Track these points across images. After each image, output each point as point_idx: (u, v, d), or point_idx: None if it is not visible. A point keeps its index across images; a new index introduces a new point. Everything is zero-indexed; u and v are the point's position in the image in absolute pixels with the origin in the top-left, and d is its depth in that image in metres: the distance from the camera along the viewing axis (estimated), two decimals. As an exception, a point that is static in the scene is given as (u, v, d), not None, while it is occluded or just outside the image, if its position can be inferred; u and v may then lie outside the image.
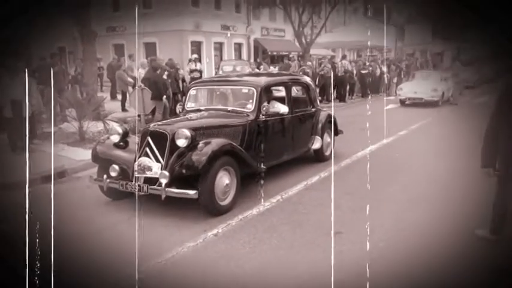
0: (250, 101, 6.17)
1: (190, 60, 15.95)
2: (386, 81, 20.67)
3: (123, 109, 13.15)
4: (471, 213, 4.89)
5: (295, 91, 7.48)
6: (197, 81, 8.12)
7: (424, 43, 56.69)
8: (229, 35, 25.48)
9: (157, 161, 5.12)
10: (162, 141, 5.17)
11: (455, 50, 43.53)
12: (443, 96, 16.28)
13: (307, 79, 8.20)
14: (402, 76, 21.78)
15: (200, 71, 15.41)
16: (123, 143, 5.61)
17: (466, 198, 5.44)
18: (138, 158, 5.20)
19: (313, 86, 7.97)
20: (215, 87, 7.01)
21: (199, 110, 6.38)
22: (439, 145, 9.24)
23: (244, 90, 6.39)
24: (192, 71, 14.92)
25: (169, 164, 5.06)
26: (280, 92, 7.13)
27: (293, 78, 7.80)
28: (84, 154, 7.55)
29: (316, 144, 7.31)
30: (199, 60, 16.85)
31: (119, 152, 5.52)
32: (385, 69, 20.68)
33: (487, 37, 60.17)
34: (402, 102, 16.59)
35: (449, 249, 4.15)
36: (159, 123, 5.78)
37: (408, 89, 16.52)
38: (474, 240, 4.29)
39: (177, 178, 4.97)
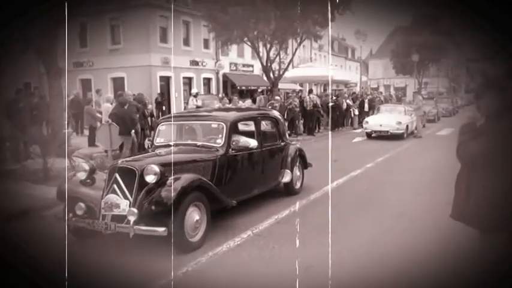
0: (220, 135, 6.19)
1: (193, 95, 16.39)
2: (352, 114, 21.19)
3: (92, 144, 12.92)
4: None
5: (265, 125, 7.56)
6: (166, 116, 8.11)
7: (387, 77, 58.89)
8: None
9: (126, 197, 5.02)
10: (131, 178, 5.09)
11: (417, 85, 45.29)
12: (407, 129, 16.77)
13: (276, 113, 8.32)
14: (366, 110, 22.35)
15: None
16: (89, 180, 5.48)
17: (435, 233, 5.54)
18: (106, 195, 5.08)
19: (282, 120, 8.08)
20: (184, 122, 7.01)
21: (168, 145, 6.34)
22: (406, 178, 9.46)
23: (214, 125, 6.42)
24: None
25: (137, 200, 4.97)
26: (250, 126, 7.20)
27: (262, 113, 7.91)
28: (49, 192, 7.32)
29: (286, 178, 7.35)
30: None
31: (86, 190, 5.38)
32: (351, 102, 21.23)
33: (448, 72, 62.77)
34: (368, 135, 16.98)
35: (422, 279, 4.20)
36: (128, 159, 5.70)
37: (374, 122, 16.93)
38: (448, 274, 4.31)
39: (146, 215, 4.87)
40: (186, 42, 25.79)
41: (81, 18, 21.68)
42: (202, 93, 25.67)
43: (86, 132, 13.97)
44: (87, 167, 5.54)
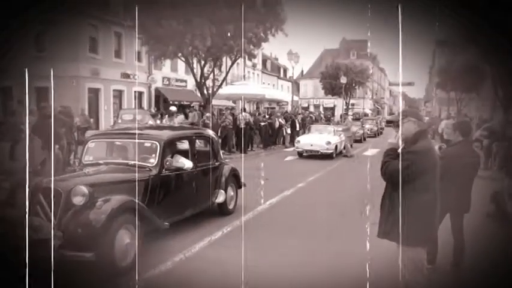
0: (153, 155, 6.03)
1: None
2: (284, 133, 21.62)
3: (12, 158, 12.04)
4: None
5: (199, 144, 7.48)
6: (96, 132, 7.77)
7: (317, 97, 61.05)
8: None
9: (49, 220, 4.70)
10: (56, 199, 4.78)
11: (345, 105, 47.35)
12: (336, 149, 17.39)
13: (211, 132, 8.27)
14: (298, 129, 22.91)
15: None
16: (11, 200, 5.08)
17: (363, 254, 5.73)
18: (27, 216, 4.72)
19: (216, 139, 8.05)
20: (115, 140, 6.75)
21: (98, 164, 6.07)
22: (336, 198, 9.76)
23: (147, 144, 6.24)
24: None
25: (62, 223, 4.67)
26: (184, 145, 7.08)
27: (197, 132, 7.83)
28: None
29: (220, 198, 7.29)
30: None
31: (5, 210, 4.97)
32: (283, 121, 21.66)
33: (373, 95, 65.99)
34: (300, 154, 17.39)
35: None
36: (53, 178, 5.35)
37: (305, 142, 17.40)
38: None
39: (71, 239, 4.58)
40: (118, 54, 25.06)
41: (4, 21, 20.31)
42: (133, 107, 25.03)
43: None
44: (7, 185, 5.14)
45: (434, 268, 4.85)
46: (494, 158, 13.19)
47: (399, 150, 3.60)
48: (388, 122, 4.24)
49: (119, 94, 25.60)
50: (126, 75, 25.56)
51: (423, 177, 3.49)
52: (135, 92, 26.83)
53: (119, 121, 17.35)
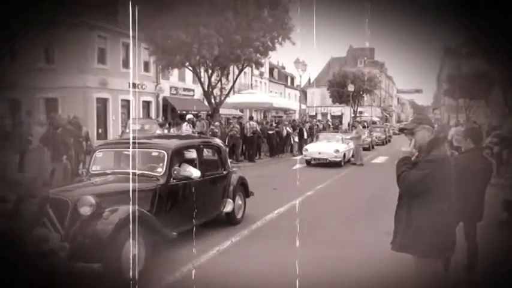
0: (161, 164, 5.98)
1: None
2: (292, 141, 21.55)
3: (21, 170, 12.07)
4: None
5: (207, 154, 7.43)
6: (104, 142, 7.76)
7: (325, 105, 61.01)
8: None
9: (56, 231, 4.66)
10: (63, 209, 4.74)
11: (353, 113, 47.23)
12: (344, 157, 17.28)
13: (218, 141, 8.22)
14: (306, 137, 22.83)
15: None
16: (16, 211, 5.05)
17: (374, 264, 5.63)
18: (34, 228, 4.69)
19: (224, 148, 7.99)
20: (123, 149, 6.72)
21: (105, 174, 6.03)
22: (345, 206, 9.64)
23: (155, 153, 6.20)
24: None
25: (69, 234, 4.62)
26: (192, 154, 7.03)
27: (204, 141, 7.79)
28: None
29: (228, 207, 7.22)
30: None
31: (11, 222, 4.94)
32: (291, 130, 21.60)
33: (380, 103, 65.92)
34: (308, 163, 17.29)
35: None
36: (60, 188, 5.33)
37: (313, 150, 17.31)
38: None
39: (78, 250, 4.53)
40: (125, 64, 25.22)
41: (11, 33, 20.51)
42: (141, 116, 25.12)
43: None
44: (14, 197, 5.12)
45: (448, 274, 4.74)
46: (506, 165, 13.03)
47: (413, 159, 3.53)
48: (401, 130, 4.09)
49: (127, 104, 25.72)
50: (134, 85, 25.70)
51: (441, 187, 3.41)
52: (143, 101, 26.97)
53: (127, 131, 17.36)
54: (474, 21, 14.86)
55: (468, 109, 46.21)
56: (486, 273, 5.06)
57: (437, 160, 3.43)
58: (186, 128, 15.74)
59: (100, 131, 23.52)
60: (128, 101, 25.79)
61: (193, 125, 17.19)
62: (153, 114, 27.31)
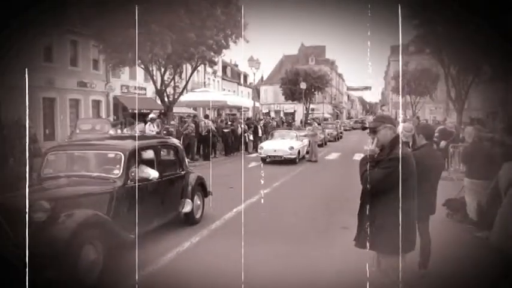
0: (118, 166, 5.82)
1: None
2: (247, 139, 21.61)
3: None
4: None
5: (164, 154, 7.32)
6: (57, 144, 7.45)
7: (278, 103, 61.64)
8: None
9: (8, 238, 4.43)
10: (14, 216, 4.51)
11: (305, 110, 47.93)
12: (299, 153, 17.52)
13: (175, 141, 8.12)
14: (260, 135, 22.97)
15: None
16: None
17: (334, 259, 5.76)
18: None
19: (181, 147, 7.89)
20: (77, 151, 6.48)
21: (58, 177, 5.79)
22: (302, 203, 9.80)
23: (111, 154, 6.03)
24: None
25: (23, 242, 4.40)
26: (149, 155, 6.89)
27: (161, 141, 7.65)
28: None
29: (187, 208, 7.15)
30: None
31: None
32: (246, 127, 21.64)
33: (332, 100, 67.33)
34: (263, 160, 17.38)
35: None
36: (11, 194, 5.07)
37: (268, 148, 17.40)
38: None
39: (33, 258, 4.33)
40: (74, 62, 24.33)
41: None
42: (90, 116, 24.35)
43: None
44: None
45: (427, 272, 4.92)
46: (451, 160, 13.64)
47: (376, 157, 3.61)
48: (364, 128, 4.11)
49: (75, 103, 24.83)
50: (82, 84, 24.85)
51: (404, 184, 3.49)
52: (92, 100, 26.13)
53: (77, 131, 16.79)
54: (474, 21, 15.24)
55: (414, 105, 48.23)
56: (437, 268, 5.29)
57: (399, 158, 3.50)
58: (149, 128, 15.24)
59: (47, 131, 22.58)
60: (77, 100, 24.91)
61: (158, 125, 16.76)
62: (103, 113, 26.53)
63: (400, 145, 3.61)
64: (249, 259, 5.66)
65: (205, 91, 26.53)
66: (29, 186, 5.68)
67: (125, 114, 26.32)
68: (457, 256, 5.80)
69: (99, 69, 26.00)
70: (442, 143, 14.05)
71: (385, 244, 3.51)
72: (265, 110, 56.99)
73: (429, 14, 19.35)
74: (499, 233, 3.74)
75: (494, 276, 4.26)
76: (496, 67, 23.11)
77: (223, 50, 20.29)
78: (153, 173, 6.28)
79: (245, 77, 60.75)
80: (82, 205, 5.03)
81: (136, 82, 29.85)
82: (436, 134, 15.04)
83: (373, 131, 3.69)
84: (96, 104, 26.65)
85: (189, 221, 7.37)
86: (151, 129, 15.20)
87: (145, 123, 19.19)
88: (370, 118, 66.49)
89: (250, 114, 33.96)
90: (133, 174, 5.82)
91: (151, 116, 16.74)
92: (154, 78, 20.06)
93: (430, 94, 46.97)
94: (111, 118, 23.36)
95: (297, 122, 44.73)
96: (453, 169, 13.35)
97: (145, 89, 30.19)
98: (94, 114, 25.71)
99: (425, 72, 45.37)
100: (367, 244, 3.59)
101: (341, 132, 37.68)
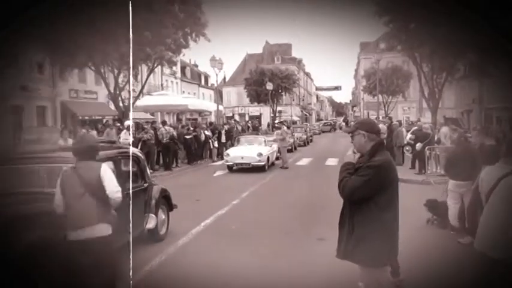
0: (73, 181, 5.67)
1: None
2: (211, 146, 21.51)
3: None
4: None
5: (124, 165, 7.20)
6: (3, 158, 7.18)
7: (242, 105, 61.73)
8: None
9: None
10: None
11: (272, 113, 48.17)
12: (268, 160, 17.60)
13: (136, 150, 8.02)
14: (224, 141, 22.81)
15: None
16: None
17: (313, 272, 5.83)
18: None
19: (143, 158, 7.79)
20: (22, 165, 6.28)
21: (7, 195, 5.60)
22: (274, 214, 9.85)
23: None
24: None
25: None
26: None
27: (121, 151, 7.52)
28: None
29: (151, 224, 7.07)
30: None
31: None
32: (210, 133, 21.54)
33: (300, 101, 67.99)
34: (230, 168, 17.35)
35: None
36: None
37: (235, 155, 17.35)
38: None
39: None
40: (15, 64, 23.57)
41: None
42: (35, 124, 23.64)
43: None
44: None
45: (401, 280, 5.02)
46: (426, 162, 14.05)
47: (356, 163, 3.64)
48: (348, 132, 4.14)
49: (17, 110, 24.04)
50: (25, 89, 24.12)
51: (385, 192, 3.51)
52: (37, 107, 25.38)
53: (21, 142, 16.28)
54: (474, 21, 15.72)
55: (387, 105, 49.45)
56: (419, 275, 5.46)
57: (380, 165, 3.52)
58: (124, 137, 14.70)
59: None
60: (18, 107, 24.14)
61: (99, 132, 16.41)
62: (49, 121, 25.81)
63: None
64: (218, 278, 5.67)
65: (163, 94, 26.27)
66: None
67: (73, 122, 25.74)
68: (439, 262, 6.01)
69: (44, 72, 25.32)
70: (418, 145, 14.46)
71: (362, 256, 3.53)
72: (228, 114, 56.95)
73: (401, 10, 19.97)
74: (482, 239, 3.86)
75: (479, 283, 4.42)
76: (470, 65, 24.03)
77: (183, 50, 20.26)
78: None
79: (206, 78, 60.60)
80: (35, 225, 4.90)
81: (86, 85, 29.24)
82: (410, 136, 15.54)
83: (351, 136, 3.77)
84: (42, 110, 25.91)
85: (154, 237, 7.28)
86: (126, 137, 14.58)
87: (98, 130, 18.85)
88: (341, 120, 67.44)
89: (213, 118, 33.87)
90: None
91: (127, 123, 16.12)
92: (107, 81, 19.78)
93: (403, 93, 48.36)
94: (59, 126, 22.77)
95: (264, 126, 44.94)
96: (430, 172, 13.75)
97: (96, 93, 29.61)
98: (39, 122, 24.97)
99: (397, 70, 46.68)
100: (350, 256, 3.64)
101: (311, 136, 38.08)
